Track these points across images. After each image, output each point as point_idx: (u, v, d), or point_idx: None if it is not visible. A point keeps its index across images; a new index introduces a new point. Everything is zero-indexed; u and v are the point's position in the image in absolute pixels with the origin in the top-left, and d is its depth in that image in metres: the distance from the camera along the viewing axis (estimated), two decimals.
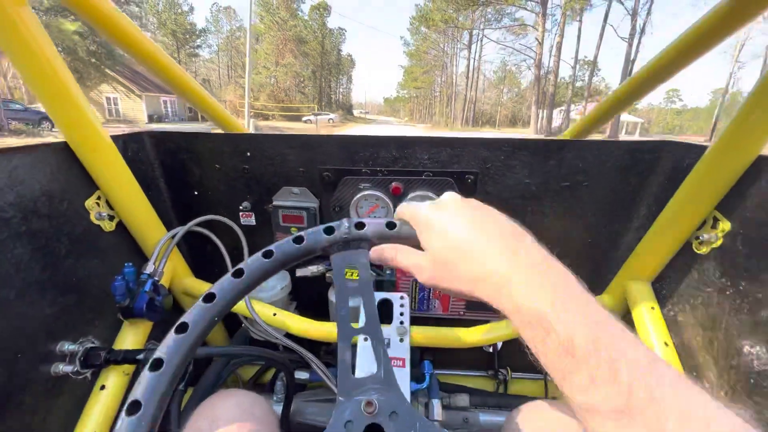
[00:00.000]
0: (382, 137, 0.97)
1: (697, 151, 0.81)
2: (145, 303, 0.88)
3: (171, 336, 0.36)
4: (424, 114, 70.70)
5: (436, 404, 0.95)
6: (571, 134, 1.15)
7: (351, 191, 1.01)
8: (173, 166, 1.05)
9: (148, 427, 0.32)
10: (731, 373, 0.72)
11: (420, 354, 1.11)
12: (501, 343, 1.20)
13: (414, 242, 0.45)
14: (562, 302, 0.32)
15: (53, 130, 16.70)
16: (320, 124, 33.28)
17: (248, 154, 1.01)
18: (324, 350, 1.17)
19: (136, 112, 26.32)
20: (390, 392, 0.40)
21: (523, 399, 0.74)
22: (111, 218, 0.93)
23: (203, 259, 1.16)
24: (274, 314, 0.99)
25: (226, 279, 0.40)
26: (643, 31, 28.15)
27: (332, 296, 1.11)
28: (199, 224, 1.04)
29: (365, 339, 0.78)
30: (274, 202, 1.05)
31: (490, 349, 1.20)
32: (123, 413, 0.32)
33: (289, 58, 44.34)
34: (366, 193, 1.00)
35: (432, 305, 1.11)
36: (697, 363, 0.80)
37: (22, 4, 0.67)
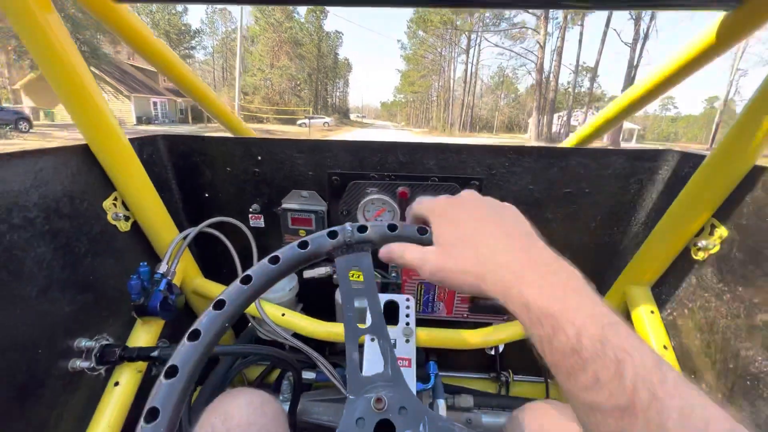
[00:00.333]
0: (389, 143, 1.01)
1: (695, 159, 0.86)
2: (159, 302, 0.92)
3: (184, 343, 0.37)
4: (421, 119, 71.08)
5: (441, 404, 0.99)
6: (573, 142, 1.21)
7: (358, 195, 1.06)
8: (185, 169, 1.09)
9: None
10: (729, 375, 0.76)
11: (425, 355, 1.15)
12: (503, 345, 1.25)
13: (416, 242, 0.47)
14: (572, 302, 0.33)
15: (31, 131, 16.41)
16: (315, 127, 33.34)
17: (259, 157, 1.06)
18: (329, 351, 1.21)
19: (123, 113, 25.92)
20: (398, 389, 0.43)
21: (525, 400, 0.79)
22: (127, 219, 0.97)
23: (213, 260, 1.20)
24: (283, 314, 1.03)
25: (235, 286, 0.41)
26: (646, 36, 28.10)
27: (339, 298, 1.15)
28: (209, 226, 1.08)
29: (372, 339, 0.83)
30: (283, 205, 1.09)
31: (492, 352, 1.25)
32: (141, 421, 0.33)
33: (284, 61, 44.45)
34: (373, 197, 1.05)
35: (437, 307, 1.16)
36: (695, 366, 0.84)
37: (49, 11, 0.71)
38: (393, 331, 0.93)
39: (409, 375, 0.85)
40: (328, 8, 45.16)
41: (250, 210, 1.11)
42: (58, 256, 0.80)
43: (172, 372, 0.36)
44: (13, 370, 0.70)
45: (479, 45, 47.16)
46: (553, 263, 0.37)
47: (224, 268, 1.14)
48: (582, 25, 32.94)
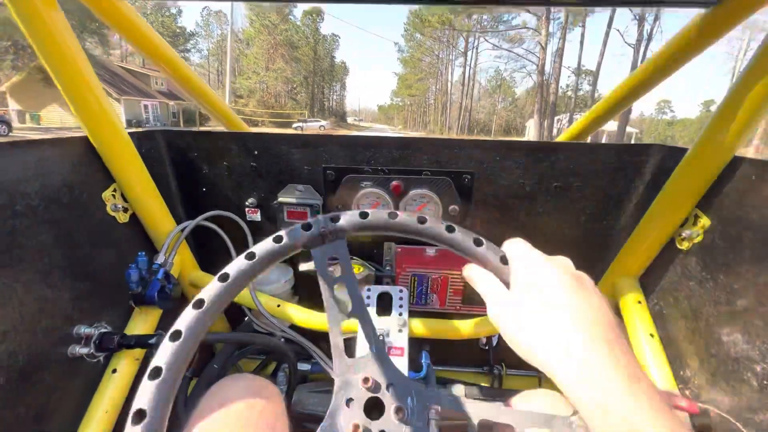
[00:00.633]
0: (383, 138, 1.05)
1: (679, 153, 0.91)
2: (156, 291, 0.95)
3: (166, 344, 0.38)
4: (419, 122, 71.42)
5: (431, 388, 1.03)
6: (564, 138, 1.26)
7: (353, 189, 1.10)
8: (183, 163, 1.13)
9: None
10: (711, 361, 0.80)
11: (418, 347, 1.19)
12: (496, 340, 1.28)
13: (397, 228, 0.48)
14: (657, 421, 0.30)
15: (10, 134, 16.04)
16: (310, 131, 33.38)
17: (255, 152, 1.10)
18: (325, 344, 1.25)
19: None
20: (384, 367, 0.45)
21: (517, 393, 0.83)
22: (125, 210, 1.00)
23: (210, 253, 1.23)
24: (278, 306, 1.07)
25: (213, 284, 0.42)
26: (650, 37, 27.98)
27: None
28: (206, 219, 1.11)
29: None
30: (279, 199, 1.13)
31: (486, 346, 1.29)
32: (128, 421, 0.35)
33: (279, 63, 44.62)
34: (367, 190, 1.09)
35: (430, 299, 1.20)
36: (680, 353, 0.88)
37: (54, 9, 0.75)
38: (387, 322, 0.96)
39: (402, 364, 0.89)
40: (324, 10, 45.50)
41: (247, 204, 1.15)
42: (59, 244, 0.83)
43: (156, 372, 0.37)
44: (14, 354, 0.73)
45: (477, 48, 47.55)
46: (636, 368, 0.34)
47: (221, 260, 1.16)
48: (583, 26, 32.91)
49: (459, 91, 52.34)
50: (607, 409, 0.31)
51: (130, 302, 0.98)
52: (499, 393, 1.21)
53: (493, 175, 1.06)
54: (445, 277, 1.17)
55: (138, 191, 1.00)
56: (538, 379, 1.30)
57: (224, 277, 0.43)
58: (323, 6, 47.33)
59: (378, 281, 1.17)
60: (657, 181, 0.96)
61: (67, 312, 0.85)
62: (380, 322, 0.96)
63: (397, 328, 0.95)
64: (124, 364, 0.94)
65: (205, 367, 1.07)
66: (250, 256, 0.44)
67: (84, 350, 0.86)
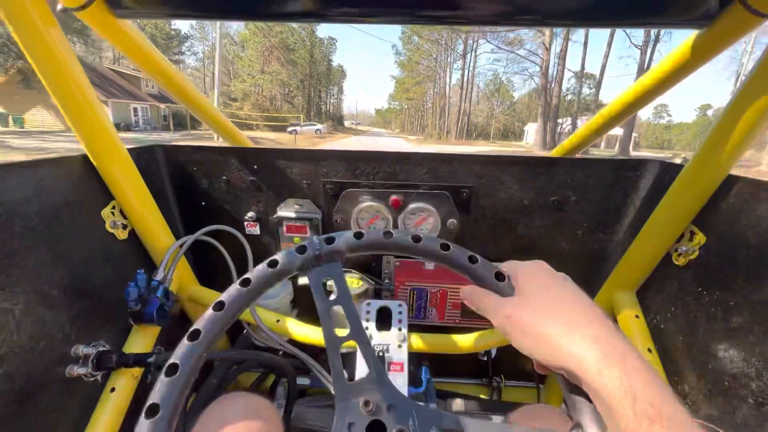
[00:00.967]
0: (381, 152, 1.08)
1: (675, 169, 0.93)
2: (155, 308, 0.96)
3: (162, 380, 0.39)
4: (416, 126, 71.67)
5: (432, 408, 1.05)
6: (560, 152, 1.29)
7: (352, 203, 1.12)
8: (182, 178, 1.15)
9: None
10: (708, 376, 0.81)
11: (417, 360, 1.20)
12: (495, 352, 1.30)
13: (393, 247, 0.50)
14: (677, 404, 0.33)
15: None
16: (305, 135, 33.26)
17: (255, 166, 1.12)
18: (324, 358, 1.26)
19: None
20: (384, 389, 0.46)
21: (516, 405, 0.84)
22: (124, 227, 1.02)
23: (209, 268, 1.25)
24: (278, 321, 1.08)
25: (209, 314, 0.43)
26: (657, 38, 27.71)
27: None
28: (206, 234, 1.13)
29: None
30: (279, 213, 1.14)
31: (485, 358, 1.30)
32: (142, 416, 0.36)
33: (275, 66, 44.71)
34: (366, 204, 1.11)
35: (429, 313, 1.22)
36: (677, 368, 0.90)
37: (53, 25, 0.77)
38: (386, 337, 0.98)
39: (402, 380, 0.90)
40: None
41: (246, 218, 1.17)
42: (57, 264, 0.84)
43: (153, 410, 0.37)
44: (12, 375, 0.73)
45: (476, 51, 47.77)
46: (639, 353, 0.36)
47: (220, 275, 1.19)
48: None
49: (457, 95, 52.58)
50: (637, 395, 0.32)
51: (128, 320, 0.99)
52: (498, 405, 1.23)
53: (491, 190, 1.08)
54: (444, 291, 1.18)
55: (137, 207, 1.02)
56: (537, 390, 1.31)
57: (219, 306, 0.44)
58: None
59: (377, 295, 1.19)
60: (653, 197, 0.99)
61: (65, 331, 0.86)
62: (380, 337, 0.97)
63: (397, 344, 0.97)
64: (123, 382, 0.95)
65: (203, 383, 1.08)
66: (245, 283, 0.46)
67: (82, 370, 0.87)
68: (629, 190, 1.06)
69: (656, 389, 0.33)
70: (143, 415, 0.37)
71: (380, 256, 1.18)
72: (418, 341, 1.07)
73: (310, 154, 1.10)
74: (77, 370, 0.87)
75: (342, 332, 0.48)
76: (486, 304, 0.47)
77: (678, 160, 1.03)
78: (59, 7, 0.81)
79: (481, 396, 1.32)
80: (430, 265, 1.17)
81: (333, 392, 0.47)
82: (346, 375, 0.47)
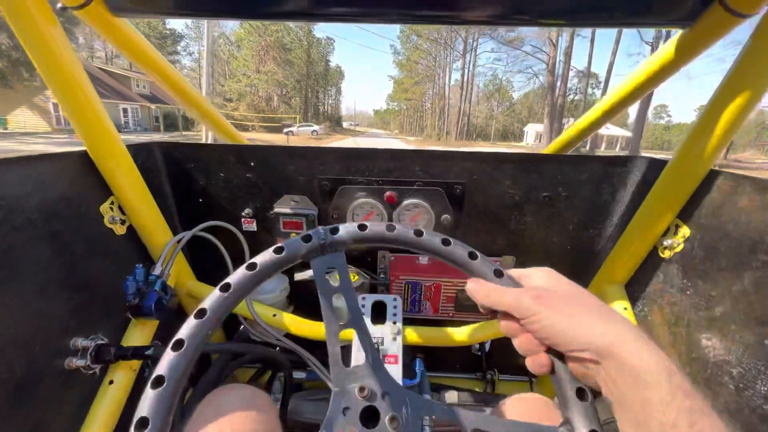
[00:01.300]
0: (376, 149, 1.11)
1: (660, 165, 0.97)
2: (153, 302, 0.99)
3: (168, 353, 0.41)
4: (415, 127, 71.81)
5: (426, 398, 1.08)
6: (552, 149, 1.33)
7: (348, 199, 1.15)
8: (180, 174, 1.18)
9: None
10: (692, 365, 0.85)
11: (412, 354, 1.24)
12: (489, 346, 1.34)
13: (395, 240, 0.52)
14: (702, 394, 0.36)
15: None
16: (302, 136, 33.13)
17: (251, 163, 1.15)
18: (320, 352, 1.30)
19: None
20: (380, 376, 0.48)
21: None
22: (122, 222, 1.05)
23: (206, 264, 1.28)
24: (274, 315, 1.12)
25: (215, 294, 0.45)
26: (668, 34, 27.76)
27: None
28: (203, 230, 1.16)
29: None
30: (275, 209, 1.18)
31: (479, 352, 1.34)
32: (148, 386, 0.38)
33: (270, 66, 44.73)
34: (361, 201, 1.15)
35: (423, 307, 1.25)
36: None
37: (53, 24, 0.80)
38: (381, 330, 1.02)
39: (396, 372, 0.94)
40: None
41: (243, 214, 1.20)
42: (57, 257, 0.87)
43: (159, 381, 0.39)
44: (11, 367, 0.76)
45: (476, 50, 47.79)
46: None
47: (217, 271, 1.22)
48: None
49: (456, 95, 52.67)
50: (672, 372, 0.36)
51: (126, 313, 1.03)
52: (491, 398, 1.26)
53: (483, 186, 1.12)
54: (438, 285, 1.22)
55: (135, 203, 1.05)
56: (529, 384, 1.35)
57: (226, 287, 0.45)
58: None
59: (372, 289, 1.22)
60: (640, 191, 1.03)
61: (64, 324, 0.88)
62: (375, 331, 1.01)
63: (392, 337, 1.01)
64: (121, 375, 0.98)
65: (201, 377, 1.12)
66: (252, 267, 0.47)
67: (81, 362, 0.90)
68: (618, 186, 1.10)
69: (683, 373, 0.37)
70: (149, 385, 0.39)
71: (376, 251, 1.22)
72: (412, 334, 1.10)
73: (306, 151, 1.14)
74: (76, 363, 0.89)
75: (342, 320, 0.51)
76: (499, 292, 0.48)
77: None
78: (58, 5, 0.84)
79: (476, 390, 1.35)
80: (424, 260, 1.21)
81: (329, 380, 0.49)
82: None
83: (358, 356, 0.86)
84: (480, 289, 0.50)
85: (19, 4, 0.75)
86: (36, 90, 24.67)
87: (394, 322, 1.03)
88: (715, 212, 0.85)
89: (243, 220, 1.21)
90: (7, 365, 0.75)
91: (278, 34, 45.39)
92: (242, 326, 1.23)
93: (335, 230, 0.51)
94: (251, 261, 0.48)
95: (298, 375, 1.21)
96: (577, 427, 0.41)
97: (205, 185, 1.19)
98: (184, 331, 0.42)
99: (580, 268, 1.19)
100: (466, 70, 49.21)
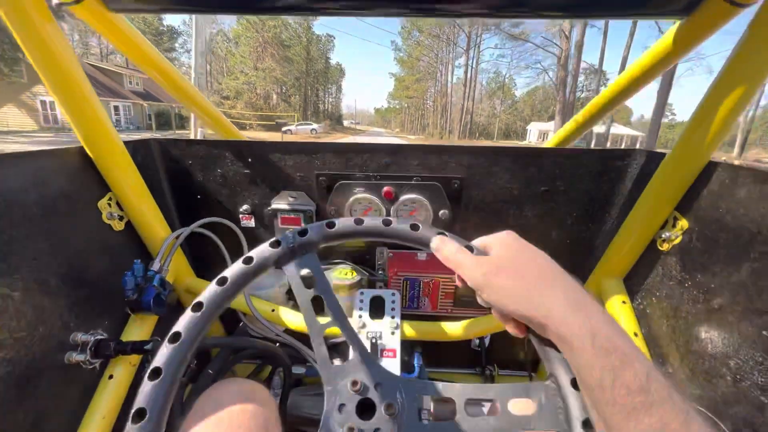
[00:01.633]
0: (374, 144, 1.13)
1: (658, 157, 0.99)
2: (152, 297, 1.02)
3: (165, 345, 0.42)
4: (416, 125, 71.80)
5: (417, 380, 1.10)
6: (552, 144, 1.35)
7: (346, 195, 1.17)
8: (178, 171, 1.20)
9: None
10: (690, 357, 0.87)
11: (411, 349, 1.26)
12: (488, 341, 1.36)
13: (350, 235, 0.54)
14: (631, 343, 0.38)
15: None
16: (300, 135, 33.08)
17: (249, 160, 1.17)
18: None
19: None
20: (370, 368, 0.49)
21: None
22: (120, 218, 1.07)
23: (205, 260, 1.30)
24: (273, 310, 1.14)
25: (188, 315, 0.45)
26: None
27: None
28: (201, 225, 1.18)
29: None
30: (273, 206, 1.20)
31: (478, 347, 1.36)
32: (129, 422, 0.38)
33: (268, 62, 44.72)
34: (359, 196, 1.17)
35: (422, 303, 1.27)
36: (662, 351, 0.95)
37: (49, 20, 0.82)
38: (379, 325, 1.04)
39: (394, 366, 0.96)
40: None
41: (241, 210, 1.22)
42: (55, 253, 0.89)
43: (156, 372, 0.41)
44: (12, 362, 0.78)
45: (479, 46, 47.58)
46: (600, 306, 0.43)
47: (216, 267, 1.23)
48: None
49: (457, 93, 52.63)
50: (595, 333, 0.38)
51: (126, 309, 1.05)
52: None
53: (481, 180, 1.14)
54: (436, 281, 1.24)
55: (133, 199, 1.07)
56: (529, 379, 1.37)
57: (197, 307, 0.46)
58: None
59: (371, 285, 1.24)
60: (638, 185, 1.05)
61: (63, 319, 0.90)
62: (373, 325, 1.03)
63: (390, 331, 1.03)
64: (121, 370, 1.01)
65: (201, 372, 1.14)
66: (222, 282, 0.48)
67: (80, 357, 0.92)
68: (616, 179, 1.11)
69: (611, 328, 0.39)
70: (146, 377, 0.41)
71: (374, 247, 1.24)
72: (410, 329, 1.12)
73: (303, 147, 1.15)
74: (76, 357, 0.91)
75: (324, 320, 0.52)
76: (461, 258, 0.51)
77: None
78: (54, 1, 0.86)
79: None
80: (422, 256, 1.23)
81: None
82: (339, 362, 0.51)
83: (344, 352, 0.87)
84: (444, 247, 0.53)
85: (15, 1, 0.76)
86: (23, 86, 24.47)
87: (393, 317, 1.05)
88: (713, 204, 0.86)
89: (241, 216, 1.23)
90: (7, 360, 0.77)
91: (276, 30, 45.40)
92: (241, 322, 1.25)
93: (304, 232, 0.52)
94: (222, 275, 0.49)
95: (298, 370, 1.23)
96: (560, 378, 0.45)
97: (203, 181, 1.21)
98: (181, 324, 0.44)
99: (579, 262, 1.21)
100: (470, 67, 49.11)
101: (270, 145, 1.16)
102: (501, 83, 60.44)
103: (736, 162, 0.98)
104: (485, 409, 0.51)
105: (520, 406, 0.47)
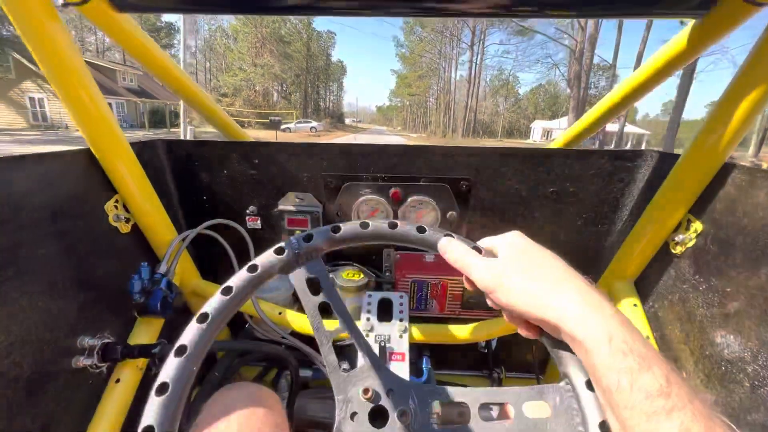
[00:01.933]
0: (381, 145, 1.14)
1: (671, 158, 0.99)
2: (159, 300, 1.02)
3: (172, 359, 0.41)
4: (419, 123, 71.73)
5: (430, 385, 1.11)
6: (559, 144, 1.35)
7: (353, 196, 1.18)
8: (184, 172, 1.21)
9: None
10: (705, 362, 0.86)
11: (419, 352, 1.27)
12: (495, 343, 1.37)
13: (356, 239, 0.53)
14: (649, 346, 0.38)
15: None
16: (300, 133, 32.91)
17: (255, 161, 1.18)
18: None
19: (66, 116, 23.95)
20: (381, 374, 0.49)
21: None
22: (127, 221, 1.08)
23: (211, 262, 1.31)
24: (280, 313, 1.15)
25: (193, 327, 0.44)
26: None
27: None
28: (207, 227, 1.19)
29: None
30: (280, 207, 1.21)
31: (485, 350, 1.37)
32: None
33: (267, 59, 44.66)
34: (366, 197, 1.17)
35: (430, 305, 1.28)
36: (675, 355, 0.95)
37: (55, 20, 0.82)
38: (387, 327, 1.05)
39: (403, 369, 0.96)
40: None
41: (247, 212, 1.23)
42: (62, 256, 0.90)
43: (163, 388, 0.40)
44: (20, 366, 0.79)
45: (483, 42, 47.32)
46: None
47: (222, 269, 1.25)
48: None
49: (463, 90, 52.45)
50: (612, 335, 0.38)
51: (132, 312, 1.06)
52: None
53: (489, 181, 1.14)
54: (444, 283, 1.25)
55: (139, 201, 1.08)
56: (537, 381, 1.38)
57: (203, 318, 0.45)
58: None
59: (378, 287, 1.25)
60: (651, 186, 1.05)
61: (70, 323, 0.91)
62: (381, 328, 1.04)
63: (398, 334, 1.03)
64: (128, 373, 1.02)
65: (207, 375, 1.15)
66: (227, 291, 0.47)
67: (88, 361, 0.93)
68: (627, 180, 1.11)
69: (628, 330, 0.39)
70: (153, 392, 0.40)
71: (381, 249, 1.25)
72: (418, 332, 1.13)
73: (310, 148, 1.16)
74: (83, 361, 0.92)
75: (332, 325, 0.52)
76: (469, 260, 0.51)
77: None
78: (60, 1, 0.86)
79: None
80: (430, 257, 1.23)
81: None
82: (348, 366, 0.51)
83: (354, 359, 0.87)
84: (452, 249, 0.53)
85: (21, 1, 0.77)
86: (10, 83, 24.28)
87: (401, 320, 1.06)
88: (729, 207, 0.85)
89: (247, 217, 1.24)
90: (15, 364, 0.77)
91: (274, 26, 45.36)
92: (247, 324, 1.26)
93: (309, 237, 0.52)
94: (226, 285, 0.48)
95: (305, 373, 1.24)
96: (575, 380, 0.45)
97: (210, 183, 1.22)
98: (187, 337, 0.43)
99: (589, 264, 1.21)
100: (474, 63, 48.91)
101: (277, 146, 1.17)
102: (505, 80, 60.37)
103: (750, 160, 0.96)
104: (494, 413, 0.52)
105: (535, 409, 0.47)
